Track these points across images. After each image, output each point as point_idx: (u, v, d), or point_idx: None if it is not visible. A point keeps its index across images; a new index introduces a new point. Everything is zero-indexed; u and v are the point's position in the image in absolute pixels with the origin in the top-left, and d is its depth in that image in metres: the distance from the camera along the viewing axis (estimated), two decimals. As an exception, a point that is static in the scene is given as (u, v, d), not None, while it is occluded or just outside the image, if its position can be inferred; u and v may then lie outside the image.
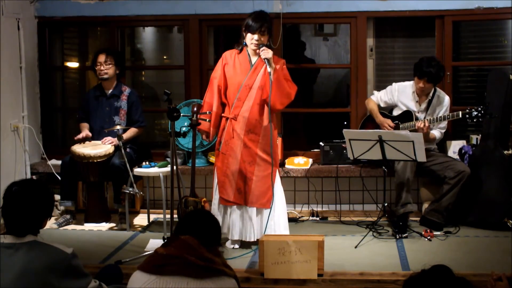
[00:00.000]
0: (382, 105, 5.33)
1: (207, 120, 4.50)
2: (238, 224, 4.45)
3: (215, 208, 4.53)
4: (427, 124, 4.88)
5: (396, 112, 5.25)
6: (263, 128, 4.40)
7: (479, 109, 4.81)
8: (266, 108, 4.40)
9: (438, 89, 5.13)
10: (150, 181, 5.47)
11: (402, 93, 5.20)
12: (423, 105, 5.12)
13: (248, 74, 4.42)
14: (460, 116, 4.85)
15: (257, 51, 4.36)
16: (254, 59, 4.46)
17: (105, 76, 5.28)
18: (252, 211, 4.42)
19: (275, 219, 4.42)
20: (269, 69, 4.28)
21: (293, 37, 6.64)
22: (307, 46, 7.05)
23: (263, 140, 4.40)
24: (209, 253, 2.47)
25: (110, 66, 5.28)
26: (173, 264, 2.43)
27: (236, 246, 4.51)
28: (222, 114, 4.52)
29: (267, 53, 4.30)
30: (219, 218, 4.51)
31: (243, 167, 4.40)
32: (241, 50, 4.50)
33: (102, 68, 5.27)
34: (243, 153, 4.39)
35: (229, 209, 4.48)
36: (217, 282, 2.44)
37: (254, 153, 4.39)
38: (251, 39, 4.37)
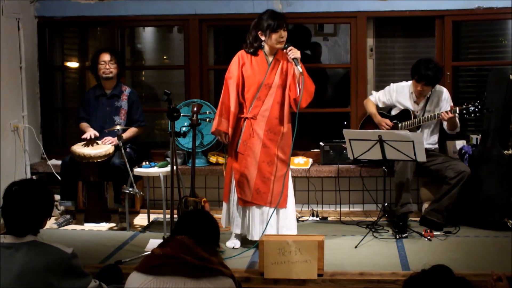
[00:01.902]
0: (380, 105, 5.34)
1: (208, 120, 4.49)
2: (258, 225, 4.41)
3: (234, 210, 4.49)
4: (450, 114, 4.85)
5: (394, 112, 5.26)
6: (282, 129, 4.39)
7: (476, 104, 4.82)
8: (285, 108, 4.38)
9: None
10: (150, 181, 5.47)
11: (400, 94, 5.21)
12: (421, 104, 5.13)
13: (266, 73, 4.39)
14: (458, 112, 4.85)
15: (284, 51, 4.32)
16: (270, 58, 4.43)
17: (110, 75, 5.28)
18: (270, 211, 4.39)
19: (289, 218, 4.43)
20: (300, 69, 4.24)
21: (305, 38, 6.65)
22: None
23: (281, 140, 4.39)
24: (205, 253, 2.47)
25: (115, 65, 5.29)
26: (169, 264, 2.43)
27: (237, 245, 4.50)
28: (239, 115, 4.45)
29: (295, 52, 4.26)
30: (238, 220, 4.48)
31: (262, 167, 4.37)
32: (254, 53, 4.43)
33: (107, 67, 5.27)
34: (262, 153, 4.37)
35: (248, 210, 4.45)
36: (214, 281, 2.44)
37: (273, 153, 4.38)
38: (276, 38, 4.32)
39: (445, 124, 5.06)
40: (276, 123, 4.39)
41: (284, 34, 4.34)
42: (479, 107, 4.80)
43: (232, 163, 4.49)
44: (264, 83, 4.38)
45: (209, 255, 2.48)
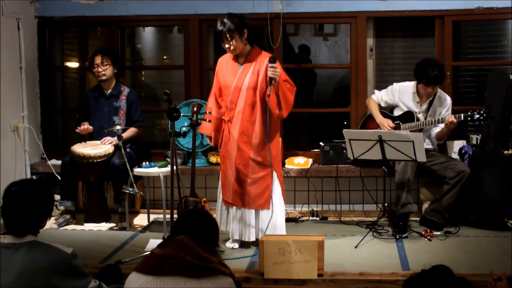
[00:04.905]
0: (382, 104, 5.33)
1: (207, 120, 4.51)
2: (238, 225, 4.47)
3: (218, 209, 4.58)
4: (454, 120, 4.82)
5: (397, 113, 5.24)
6: (255, 130, 4.38)
7: (481, 112, 4.79)
8: (258, 109, 4.36)
9: (439, 89, 5.12)
10: (150, 181, 5.47)
11: (403, 94, 5.19)
12: (424, 106, 5.12)
13: (237, 76, 4.41)
14: (462, 118, 4.83)
15: (266, 64, 4.24)
16: (242, 60, 4.45)
17: (104, 77, 5.27)
18: (250, 212, 4.42)
19: (272, 220, 4.42)
20: (268, 92, 4.20)
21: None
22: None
23: (255, 141, 4.38)
24: (205, 253, 2.47)
25: (107, 66, 5.27)
26: (169, 265, 2.43)
27: (236, 246, 4.51)
28: (222, 117, 4.53)
29: (274, 72, 4.16)
30: (224, 218, 4.54)
31: (238, 169, 4.41)
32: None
33: (99, 69, 5.25)
34: (237, 156, 4.41)
35: (231, 210, 4.51)
36: (214, 281, 2.44)
37: (247, 156, 4.38)
38: (224, 48, 4.39)
39: (438, 130, 5.03)
40: (249, 125, 4.38)
41: (228, 44, 4.33)
42: (484, 115, 4.78)
43: (220, 164, 4.59)
44: (234, 86, 4.39)
45: (209, 255, 2.48)
